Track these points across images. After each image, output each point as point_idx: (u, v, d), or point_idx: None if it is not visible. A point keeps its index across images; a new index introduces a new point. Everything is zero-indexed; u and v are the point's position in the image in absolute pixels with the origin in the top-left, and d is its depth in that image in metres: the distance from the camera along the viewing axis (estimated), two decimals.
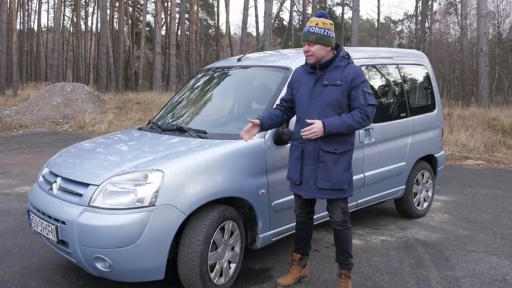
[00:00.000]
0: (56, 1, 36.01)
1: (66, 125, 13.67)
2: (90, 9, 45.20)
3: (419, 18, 33.57)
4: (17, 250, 4.10)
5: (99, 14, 32.02)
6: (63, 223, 2.98)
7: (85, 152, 3.76)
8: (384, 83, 4.81)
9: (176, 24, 29.57)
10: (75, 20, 43.16)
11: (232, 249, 3.34)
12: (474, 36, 26.76)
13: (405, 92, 4.87)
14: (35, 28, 48.29)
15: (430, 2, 33.28)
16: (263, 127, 3.25)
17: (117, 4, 38.78)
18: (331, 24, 3.12)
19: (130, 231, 2.83)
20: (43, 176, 3.56)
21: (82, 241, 2.89)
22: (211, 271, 3.14)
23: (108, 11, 32.57)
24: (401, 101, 4.81)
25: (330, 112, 3.06)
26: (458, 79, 28.20)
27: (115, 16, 40.80)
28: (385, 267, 3.82)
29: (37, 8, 57.37)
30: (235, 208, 3.34)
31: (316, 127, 2.98)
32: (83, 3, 43.53)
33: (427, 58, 5.50)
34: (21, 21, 42.69)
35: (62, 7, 40.16)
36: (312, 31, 3.08)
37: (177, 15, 29.63)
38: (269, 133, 3.47)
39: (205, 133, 3.60)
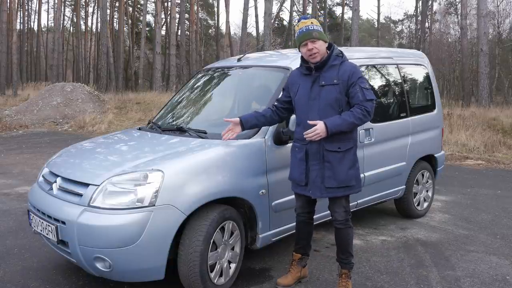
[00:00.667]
0: (56, 1, 36.02)
1: (66, 125, 13.67)
2: (90, 9, 45.24)
3: (419, 18, 33.57)
4: (17, 250, 4.10)
5: (99, 14, 32.02)
6: (63, 223, 2.98)
7: (85, 152, 3.76)
8: (384, 83, 4.81)
9: (176, 24, 29.57)
10: (75, 20, 43.19)
11: (232, 249, 3.34)
12: (474, 36, 26.76)
13: (405, 92, 4.87)
14: (35, 28, 48.35)
15: (430, 2, 33.29)
16: (244, 126, 3.28)
17: (117, 4, 38.79)
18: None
19: (130, 231, 2.83)
20: (43, 176, 3.56)
21: (82, 241, 2.89)
22: (211, 271, 3.14)
23: (108, 11, 32.57)
24: (401, 101, 4.81)
25: (330, 111, 3.07)
26: (458, 79, 28.20)
27: (115, 16, 40.81)
28: (385, 267, 3.82)
29: (37, 8, 57.40)
30: (235, 208, 3.34)
31: (318, 128, 2.99)
32: (83, 3, 43.52)
33: (427, 58, 5.50)
34: (21, 21, 42.69)
35: (62, 7, 40.15)
36: (312, 28, 3.10)
37: (177, 15, 29.63)
38: (269, 133, 3.47)
39: (205, 133, 3.60)
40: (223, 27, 41.17)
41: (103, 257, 2.87)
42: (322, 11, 37.28)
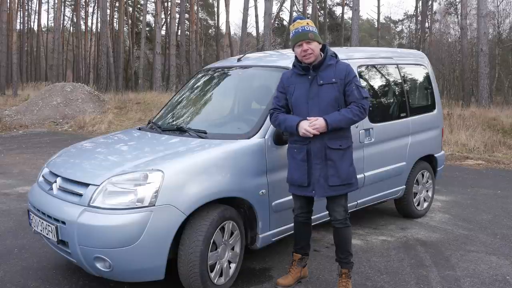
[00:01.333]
0: (56, 1, 36.03)
1: (66, 125, 13.67)
2: (90, 9, 45.23)
3: (419, 18, 33.59)
4: (17, 250, 4.10)
5: (99, 14, 32.00)
6: (63, 223, 2.98)
7: (85, 152, 3.76)
8: (384, 83, 4.80)
9: (176, 24, 29.58)
10: (75, 20, 43.17)
11: (232, 249, 3.34)
12: (474, 36, 26.74)
13: (405, 92, 4.87)
14: (35, 28, 48.36)
15: (430, 2, 33.30)
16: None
17: (117, 4, 38.77)
18: None
19: (130, 231, 2.83)
20: (43, 176, 3.56)
21: (82, 241, 2.89)
22: (211, 271, 3.14)
23: (108, 11, 32.57)
24: (401, 101, 4.81)
25: (330, 110, 3.10)
26: (458, 79, 28.19)
27: (115, 16, 40.80)
28: (385, 267, 3.82)
29: (37, 8, 57.52)
30: (235, 208, 3.34)
31: (318, 123, 3.01)
32: (83, 3, 43.52)
33: (427, 58, 5.50)
34: (21, 21, 42.70)
35: (62, 7, 40.17)
36: (308, 29, 3.12)
37: (177, 15, 29.63)
38: (269, 133, 3.47)
39: (205, 133, 3.60)
40: (223, 27, 41.20)
41: (103, 257, 2.87)
42: (322, 11, 37.29)
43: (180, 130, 3.81)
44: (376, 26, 40.98)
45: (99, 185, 2.97)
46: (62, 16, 41.90)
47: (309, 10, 33.61)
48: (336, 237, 3.29)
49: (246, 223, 3.48)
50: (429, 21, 33.91)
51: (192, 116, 4.24)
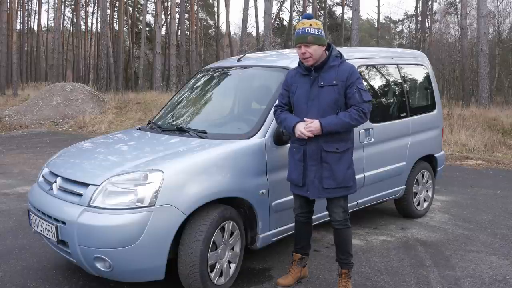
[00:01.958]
0: (56, 1, 36.03)
1: (66, 125, 13.67)
2: (90, 9, 45.24)
3: (419, 18, 33.59)
4: (17, 250, 4.10)
5: (99, 14, 32.00)
6: (63, 223, 2.98)
7: (85, 152, 3.76)
8: (384, 83, 4.80)
9: (176, 24, 29.58)
10: (75, 20, 43.18)
11: (232, 249, 3.34)
12: (474, 36, 26.74)
13: (405, 92, 4.87)
14: (35, 28, 48.37)
15: (430, 2, 33.30)
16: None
17: (117, 4, 38.77)
18: (321, 24, 3.19)
19: (130, 231, 2.83)
20: (43, 176, 3.56)
21: (82, 241, 2.89)
22: (211, 271, 3.14)
23: (108, 11, 32.57)
24: (401, 101, 4.81)
25: (329, 112, 3.08)
26: (458, 79, 28.19)
27: (115, 16, 40.80)
28: (385, 267, 3.82)
29: (37, 8, 57.52)
30: (235, 208, 3.34)
31: (312, 126, 3.00)
32: (83, 3, 43.52)
33: (427, 58, 5.50)
34: (21, 21, 42.70)
35: (62, 7, 40.17)
36: (308, 32, 3.08)
37: (177, 15, 29.63)
38: (269, 133, 3.47)
39: (205, 133, 3.60)
40: (223, 27, 41.20)
41: (103, 257, 2.87)
42: (322, 11, 37.28)
43: (180, 130, 3.81)
44: (376, 26, 40.99)
45: (99, 185, 2.97)
46: (62, 16, 41.92)
47: (309, 10, 33.60)
48: (336, 237, 3.29)
49: (246, 223, 3.48)
50: (429, 21, 33.91)
51: (192, 116, 4.24)
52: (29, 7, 47.60)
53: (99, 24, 31.77)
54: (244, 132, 3.52)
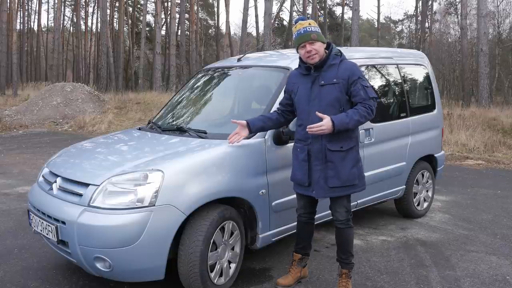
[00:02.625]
0: (56, 1, 36.02)
1: (66, 125, 13.67)
2: (90, 9, 45.24)
3: (419, 18, 33.58)
4: (17, 250, 4.10)
5: (99, 14, 32.01)
6: (63, 223, 2.98)
7: (85, 152, 3.76)
8: (384, 83, 4.80)
9: (176, 24, 29.57)
10: (75, 20, 43.18)
11: (232, 249, 3.34)
12: (474, 36, 26.73)
13: (405, 92, 4.87)
14: (35, 28, 48.37)
15: (430, 2, 33.29)
16: (251, 129, 3.27)
17: (117, 4, 38.77)
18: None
19: (130, 231, 2.83)
20: (43, 176, 3.56)
21: (82, 241, 2.90)
22: (211, 271, 3.14)
23: (108, 11, 32.56)
24: (401, 101, 4.81)
25: (331, 111, 3.07)
26: (458, 79, 28.18)
27: (115, 16, 40.80)
28: (385, 267, 3.82)
29: (37, 8, 57.54)
30: (235, 208, 3.34)
31: (324, 124, 2.97)
32: (83, 3, 43.52)
33: (427, 58, 5.50)
34: (21, 21, 42.70)
35: (62, 7, 40.17)
36: (310, 30, 3.10)
37: (177, 15, 29.62)
38: (269, 133, 3.47)
39: (205, 133, 3.60)
40: (223, 27, 41.21)
41: (103, 257, 2.87)
42: (322, 11, 37.28)
43: (180, 130, 3.81)
44: (376, 26, 40.98)
45: (99, 185, 2.97)
46: (62, 16, 41.92)
47: (309, 10, 33.61)
48: (338, 237, 3.29)
49: (246, 223, 3.48)
50: (429, 21, 33.91)
51: (192, 116, 4.24)
52: (29, 7, 47.64)
53: (99, 24, 31.77)
54: None
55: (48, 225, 3.10)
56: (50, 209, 3.15)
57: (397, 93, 4.84)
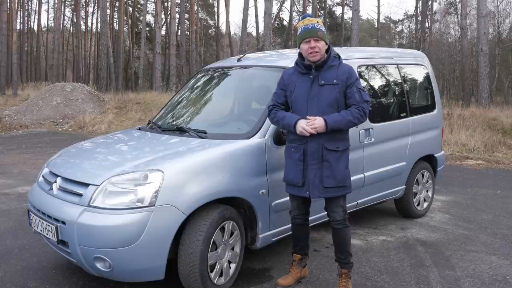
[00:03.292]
0: (56, 1, 36.02)
1: (66, 125, 13.67)
2: (90, 9, 45.24)
3: (419, 18, 33.58)
4: (17, 250, 4.10)
5: (99, 14, 32.01)
6: (63, 223, 2.98)
7: (85, 152, 3.76)
8: (384, 83, 4.80)
9: (176, 24, 29.57)
10: (75, 20, 43.17)
11: (232, 249, 3.34)
12: (474, 36, 26.73)
13: (405, 92, 4.87)
14: (35, 28, 48.37)
15: (430, 2, 33.29)
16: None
17: (117, 4, 38.77)
18: None
19: (130, 231, 2.83)
20: (43, 176, 3.56)
21: (82, 241, 2.90)
22: (211, 271, 3.14)
23: (108, 11, 32.56)
24: (401, 101, 4.81)
25: (329, 111, 3.09)
26: (458, 79, 28.18)
27: (115, 16, 40.80)
28: (385, 267, 3.82)
29: (37, 8, 57.57)
30: (235, 208, 3.34)
31: (317, 123, 3.00)
32: (83, 3, 43.52)
33: (427, 58, 5.50)
34: (21, 21, 42.71)
35: (62, 7, 40.17)
36: (318, 27, 3.12)
37: (177, 15, 29.62)
38: (269, 133, 3.47)
39: (205, 133, 3.60)
40: (223, 27, 41.21)
41: (103, 257, 2.87)
42: (322, 11, 37.28)
43: (180, 130, 3.81)
44: (376, 26, 40.98)
45: (99, 185, 2.97)
46: (62, 16, 41.92)
47: (309, 10, 33.60)
48: (335, 237, 3.29)
49: (246, 223, 3.48)
50: (429, 21, 33.90)
51: (192, 116, 4.24)
52: (29, 7, 47.64)
53: (99, 24, 31.78)
54: (244, 132, 3.52)
55: (48, 225, 3.10)
56: (50, 209, 3.15)
57: (397, 93, 4.84)
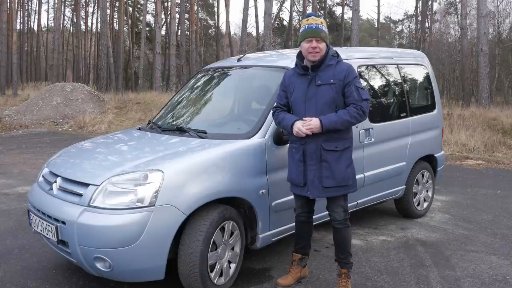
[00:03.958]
0: (56, 1, 36.02)
1: (66, 125, 13.67)
2: (90, 9, 45.24)
3: (419, 18, 33.58)
4: (17, 250, 4.10)
5: (99, 14, 32.01)
6: (63, 223, 2.98)
7: (85, 152, 3.76)
8: (384, 83, 4.80)
9: (176, 24, 29.57)
10: (75, 20, 43.17)
11: (232, 249, 3.34)
12: (474, 36, 26.73)
13: (405, 92, 4.87)
14: (35, 28, 48.37)
15: (430, 2, 33.29)
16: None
17: (117, 4, 38.77)
18: None
19: (130, 231, 2.83)
20: (43, 176, 3.56)
21: (82, 241, 2.90)
22: (211, 271, 3.14)
23: (108, 11, 32.56)
24: (401, 101, 4.81)
25: (327, 111, 3.08)
26: (458, 79, 28.18)
27: (115, 16, 40.79)
28: (385, 267, 3.82)
29: (37, 8, 57.55)
30: (235, 208, 3.34)
31: (312, 124, 3.00)
32: (83, 3, 43.52)
33: (427, 58, 5.50)
34: (21, 21, 42.70)
35: (62, 7, 40.18)
36: (321, 28, 3.12)
37: (177, 15, 29.62)
38: (269, 133, 3.47)
39: (205, 133, 3.60)
40: (223, 27, 41.20)
41: (103, 257, 2.87)
42: (322, 11, 37.27)
43: (180, 130, 3.81)
44: (376, 26, 40.98)
45: (99, 185, 2.97)
46: (62, 16, 41.93)
47: (309, 10, 33.57)
48: (336, 237, 3.29)
49: (246, 223, 3.48)
50: (429, 21, 33.90)
51: (192, 116, 4.24)
52: (29, 7, 47.63)
53: (99, 24, 31.78)
54: (244, 132, 3.52)
55: (48, 225, 3.10)
56: (50, 209, 3.15)
57: (397, 93, 4.84)
